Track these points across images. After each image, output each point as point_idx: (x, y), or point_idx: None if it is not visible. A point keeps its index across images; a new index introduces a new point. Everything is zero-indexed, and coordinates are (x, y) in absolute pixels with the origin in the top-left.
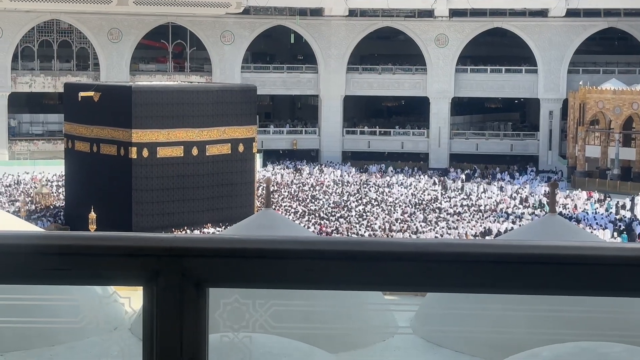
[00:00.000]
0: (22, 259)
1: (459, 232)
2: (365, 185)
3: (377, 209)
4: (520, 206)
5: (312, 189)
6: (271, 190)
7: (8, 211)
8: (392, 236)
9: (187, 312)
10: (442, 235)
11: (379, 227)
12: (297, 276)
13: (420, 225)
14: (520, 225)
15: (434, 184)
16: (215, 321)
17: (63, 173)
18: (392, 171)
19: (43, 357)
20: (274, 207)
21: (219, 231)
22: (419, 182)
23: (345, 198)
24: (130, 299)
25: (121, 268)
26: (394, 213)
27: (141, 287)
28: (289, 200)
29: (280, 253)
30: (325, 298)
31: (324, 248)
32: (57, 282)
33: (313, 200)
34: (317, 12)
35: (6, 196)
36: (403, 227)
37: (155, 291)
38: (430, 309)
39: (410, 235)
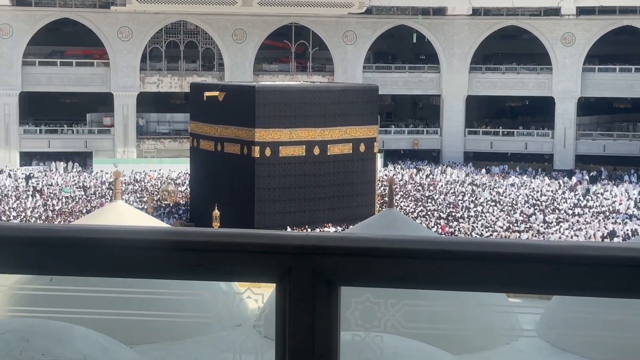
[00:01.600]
0: (158, 254)
1: (586, 233)
2: (483, 186)
3: (495, 209)
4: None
5: (430, 189)
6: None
7: (137, 208)
8: (516, 237)
9: (319, 310)
10: (566, 237)
11: (500, 228)
12: (428, 276)
13: (541, 227)
14: None
15: (560, 187)
16: (346, 320)
17: (188, 171)
18: (514, 172)
19: (170, 350)
20: (397, 207)
21: (339, 230)
22: (542, 183)
23: (463, 198)
24: (263, 296)
25: (255, 265)
26: (513, 214)
27: (266, 285)
28: (408, 201)
29: (412, 253)
30: (450, 298)
31: (456, 248)
32: (192, 277)
33: (430, 201)
34: (440, 11)
35: (134, 193)
36: (525, 228)
37: (288, 288)
38: (556, 312)
39: (532, 237)
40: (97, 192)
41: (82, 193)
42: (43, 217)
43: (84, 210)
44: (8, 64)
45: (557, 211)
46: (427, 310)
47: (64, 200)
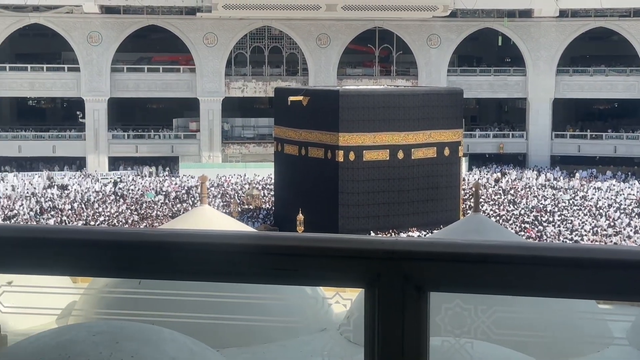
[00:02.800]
0: (248, 258)
1: None
2: (567, 190)
3: (580, 213)
4: None
5: (512, 192)
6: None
7: (223, 212)
8: (606, 242)
9: (408, 315)
10: None
11: (587, 232)
12: (519, 282)
13: (631, 231)
14: None
15: None
16: (436, 325)
17: (272, 175)
18: (603, 176)
19: (256, 354)
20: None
21: (423, 235)
22: (632, 187)
23: (545, 202)
24: (351, 301)
25: (344, 270)
26: (600, 218)
27: (354, 289)
28: (493, 205)
29: (503, 258)
30: (540, 305)
31: (548, 254)
32: (282, 282)
33: (513, 205)
34: (526, 14)
35: (220, 198)
36: (613, 232)
37: (377, 294)
38: None
39: (621, 241)
40: (180, 197)
41: (167, 197)
42: (129, 222)
43: (169, 215)
44: (97, 71)
45: None
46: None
47: (148, 204)
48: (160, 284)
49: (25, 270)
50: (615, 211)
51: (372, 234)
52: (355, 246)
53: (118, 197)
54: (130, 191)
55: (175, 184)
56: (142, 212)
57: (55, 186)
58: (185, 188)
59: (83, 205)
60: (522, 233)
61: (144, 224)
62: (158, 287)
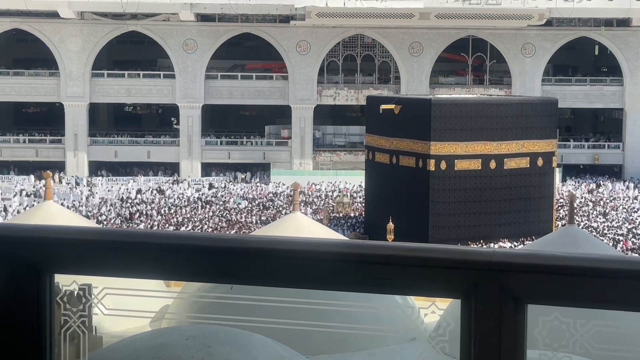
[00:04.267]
0: (345, 266)
1: None
2: None
3: None
4: None
5: (602, 204)
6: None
7: (314, 219)
8: None
9: (505, 327)
10: None
11: None
12: (619, 297)
13: None
14: None
15: None
16: (533, 338)
17: (363, 183)
18: None
19: None
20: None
21: (516, 246)
22: None
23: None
24: (445, 311)
25: (441, 280)
26: None
27: (453, 300)
28: (587, 216)
29: (603, 272)
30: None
31: None
32: (378, 291)
33: (604, 216)
34: (624, 23)
35: (311, 205)
36: None
37: (474, 304)
38: None
39: None
40: (271, 203)
41: (258, 204)
42: (218, 228)
43: (260, 221)
44: (192, 78)
45: None
46: (617, 331)
47: (239, 210)
48: (252, 289)
49: (120, 274)
50: None
51: (463, 243)
52: (453, 256)
53: (203, 204)
54: (221, 197)
55: (266, 190)
56: (233, 218)
57: (152, 190)
58: (277, 194)
59: (173, 211)
60: (619, 245)
61: (234, 230)
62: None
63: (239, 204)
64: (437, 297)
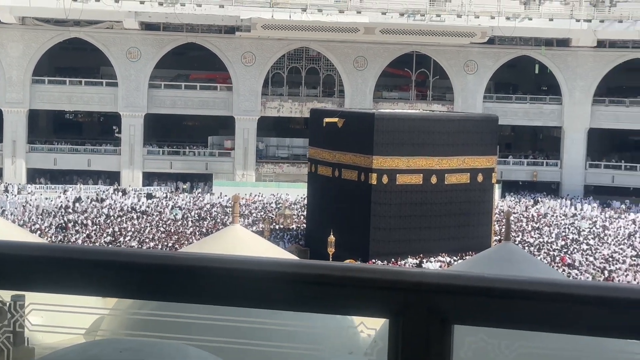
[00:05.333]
0: (275, 285)
1: None
2: (588, 219)
3: (606, 242)
4: None
5: (542, 221)
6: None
7: (252, 231)
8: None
9: (432, 347)
10: None
11: (617, 261)
12: (545, 318)
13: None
14: None
15: None
16: (459, 359)
17: (305, 196)
18: (636, 207)
19: None
20: (512, 239)
21: (454, 261)
22: None
23: (570, 231)
24: (375, 330)
25: (370, 300)
26: (628, 247)
27: (386, 320)
28: (524, 232)
29: (529, 294)
30: (568, 342)
31: (575, 292)
32: (307, 310)
33: (539, 232)
34: (563, 43)
35: (252, 217)
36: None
37: (401, 325)
38: None
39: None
40: (211, 215)
41: (198, 215)
42: (155, 238)
43: (200, 232)
44: (135, 86)
45: None
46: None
47: (179, 221)
48: (186, 306)
49: (51, 290)
50: None
51: (403, 258)
52: (382, 276)
53: (145, 213)
54: (156, 207)
55: (206, 201)
56: (172, 229)
57: (90, 199)
58: (216, 206)
59: (110, 221)
60: (555, 262)
61: (172, 241)
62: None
63: (176, 214)
64: (366, 316)
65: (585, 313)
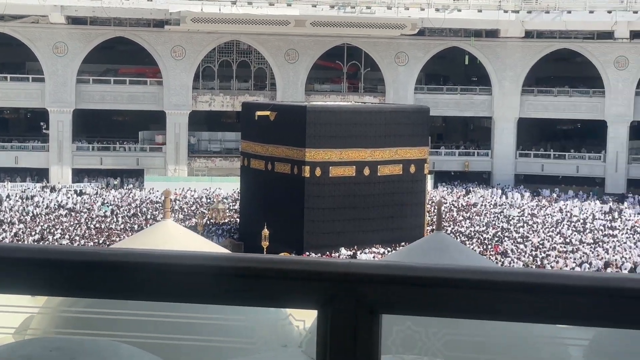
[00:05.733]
0: (205, 279)
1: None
2: (516, 207)
3: (539, 230)
4: None
5: (468, 209)
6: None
7: (185, 226)
8: (565, 258)
9: (360, 337)
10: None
11: (544, 247)
12: (470, 306)
13: (588, 248)
14: None
15: (605, 212)
16: (387, 348)
17: (238, 190)
18: (565, 195)
19: None
20: (444, 229)
21: (388, 251)
22: (588, 206)
23: (500, 219)
24: (304, 322)
25: (298, 292)
26: (556, 235)
27: (315, 311)
28: (456, 222)
29: (454, 282)
30: (494, 328)
31: (499, 279)
32: (236, 303)
33: (470, 221)
34: (492, 34)
35: (184, 212)
36: (573, 248)
37: (329, 316)
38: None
39: (562, 262)
40: (143, 210)
41: (128, 211)
42: (86, 235)
43: (132, 228)
44: (62, 82)
45: (591, 232)
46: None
47: (110, 218)
48: (118, 303)
49: None
50: (568, 229)
51: (337, 250)
52: (309, 268)
53: (77, 210)
54: (85, 204)
55: (138, 197)
56: (103, 225)
57: (18, 197)
58: (146, 201)
59: (39, 218)
60: (488, 250)
61: (103, 238)
62: (116, 306)
63: (105, 211)
64: (295, 308)
65: (511, 300)
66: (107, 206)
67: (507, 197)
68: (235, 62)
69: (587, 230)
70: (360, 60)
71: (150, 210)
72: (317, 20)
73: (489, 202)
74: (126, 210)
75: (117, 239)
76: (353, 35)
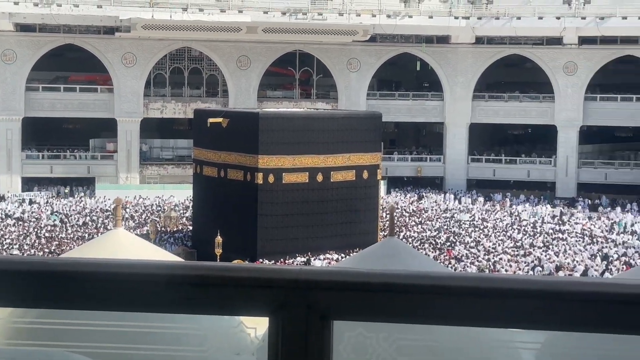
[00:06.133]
0: (157, 288)
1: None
2: (466, 212)
3: (492, 235)
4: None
5: (426, 216)
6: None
7: (137, 234)
8: (518, 261)
9: (311, 344)
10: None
11: (496, 251)
12: (421, 311)
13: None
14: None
15: (555, 216)
16: (338, 354)
17: (191, 197)
18: (517, 200)
19: None
20: (397, 234)
21: (342, 257)
22: (541, 211)
23: (451, 224)
24: (256, 329)
25: (249, 299)
26: (508, 239)
27: (267, 318)
28: (409, 227)
29: (404, 287)
30: (447, 333)
31: (449, 284)
32: (186, 311)
33: (422, 226)
34: (443, 40)
35: (137, 220)
36: (525, 252)
37: (281, 323)
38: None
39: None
40: (94, 219)
41: (79, 220)
42: (35, 245)
43: (82, 238)
44: (11, 89)
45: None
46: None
47: (60, 227)
48: (69, 313)
49: None
50: (518, 233)
51: (291, 256)
52: (260, 275)
53: (25, 220)
54: (33, 214)
55: (88, 205)
56: (53, 234)
57: None
58: (95, 210)
59: None
60: (442, 255)
61: (53, 247)
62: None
63: (55, 220)
64: (246, 315)
65: (462, 304)
66: (57, 215)
67: (460, 202)
68: (187, 69)
69: (538, 234)
70: (312, 67)
71: (101, 219)
72: (269, 26)
73: (440, 207)
74: (76, 219)
75: (67, 249)
76: (305, 41)
